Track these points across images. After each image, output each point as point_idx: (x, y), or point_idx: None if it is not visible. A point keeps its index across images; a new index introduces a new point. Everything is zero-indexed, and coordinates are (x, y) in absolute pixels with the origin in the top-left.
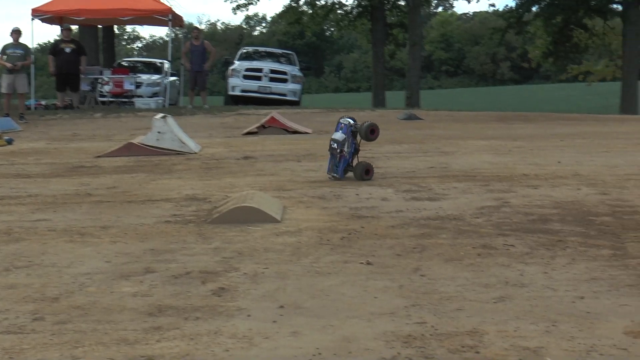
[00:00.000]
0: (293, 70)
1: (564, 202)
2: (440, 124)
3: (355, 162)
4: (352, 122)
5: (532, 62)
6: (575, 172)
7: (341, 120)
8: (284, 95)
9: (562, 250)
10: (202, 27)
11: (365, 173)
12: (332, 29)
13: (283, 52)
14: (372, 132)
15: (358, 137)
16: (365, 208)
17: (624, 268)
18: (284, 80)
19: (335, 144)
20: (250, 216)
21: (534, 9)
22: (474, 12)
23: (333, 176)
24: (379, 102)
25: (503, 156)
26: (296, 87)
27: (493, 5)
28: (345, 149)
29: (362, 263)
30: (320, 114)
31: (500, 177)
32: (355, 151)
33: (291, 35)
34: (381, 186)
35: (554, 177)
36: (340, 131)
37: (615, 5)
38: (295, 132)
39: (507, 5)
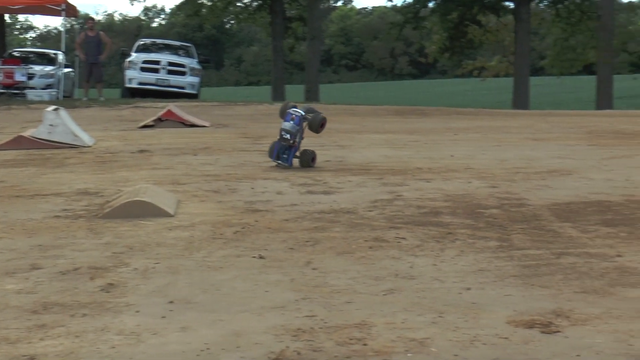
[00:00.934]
0: (191, 63)
1: (455, 195)
2: (339, 118)
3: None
4: (303, 113)
5: (429, 57)
6: (467, 166)
7: (291, 111)
8: (182, 88)
9: (451, 243)
10: (99, 18)
11: (312, 160)
12: (232, 22)
13: (181, 45)
14: (322, 126)
15: (303, 130)
16: (260, 202)
17: (509, 259)
18: (183, 73)
19: (288, 135)
20: (143, 210)
21: (430, 4)
22: (373, 7)
23: (279, 164)
24: (278, 96)
25: (398, 150)
26: (195, 80)
27: (391, 0)
28: (298, 139)
29: (254, 257)
30: (218, 107)
31: (394, 171)
32: (299, 137)
33: (190, 27)
34: (277, 180)
35: (447, 170)
36: (292, 122)
37: (507, 3)
38: (193, 125)
39: (404, 1)
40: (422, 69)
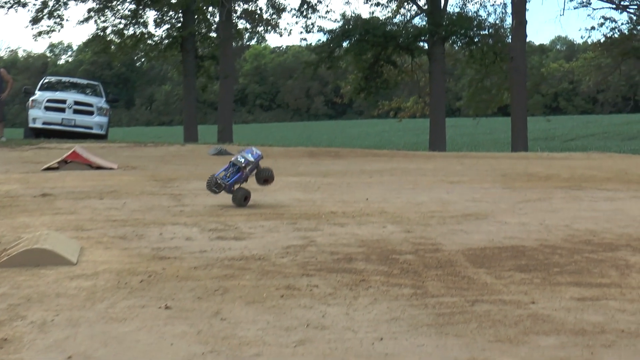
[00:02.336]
0: (99, 102)
1: (369, 241)
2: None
3: (236, 186)
4: (259, 160)
5: (344, 97)
6: (382, 210)
7: (254, 149)
8: (90, 128)
9: (365, 290)
10: (1, 54)
11: (244, 199)
12: (142, 60)
13: (88, 83)
14: (265, 182)
15: (252, 173)
16: (168, 248)
17: (423, 307)
18: (90, 113)
19: (242, 159)
20: (43, 259)
21: (344, 44)
22: (287, 46)
23: (216, 185)
24: (190, 136)
25: (312, 193)
26: (102, 119)
27: (305, 39)
28: (248, 169)
29: (160, 307)
30: (127, 148)
31: (308, 215)
32: (245, 179)
33: (99, 65)
34: (186, 225)
35: (361, 214)
36: (251, 155)
37: (421, 44)
38: (100, 167)
39: (319, 40)
40: (339, 109)
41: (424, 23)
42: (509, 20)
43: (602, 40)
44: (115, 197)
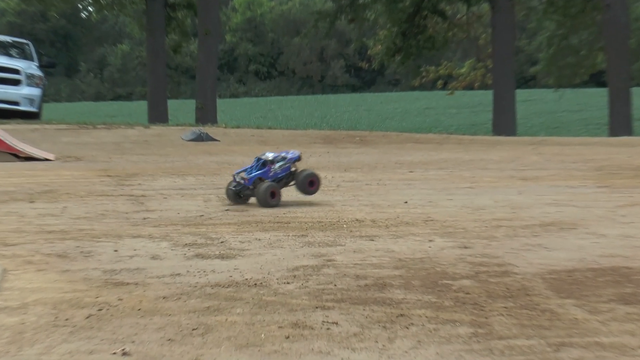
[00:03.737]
0: (29, 67)
1: (409, 260)
2: (243, 147)
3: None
4: (296, 161)
5: (373, 61)
6: (428, 217)
7: (292, 151)
8: (16, 103)
9: (404, 329)
10: None
11: (271, 195)
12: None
13: (14, 41)
14: (310, 185)
15: (285, 176)
16: (127, 271)
17: (487, 353)
18: (16, 82)
19: (271, 154)
20: None
21: None
22: None
23: (237, 183)
24: (158, 115)
25: (329, 194)
26: (33, 92)
27: None
28: (277, 165)
29: (115, 353)
30: (68, 132)
31: (323, 224)
32: (275, 181)
33: (29, 16)
34: (152, 238)
35: (398, 223)
36: (285, 153)
37: None
38: (30, 158)
39: None
40: (365, 78)
41: None
42: None
43: None
44: (51, 199)
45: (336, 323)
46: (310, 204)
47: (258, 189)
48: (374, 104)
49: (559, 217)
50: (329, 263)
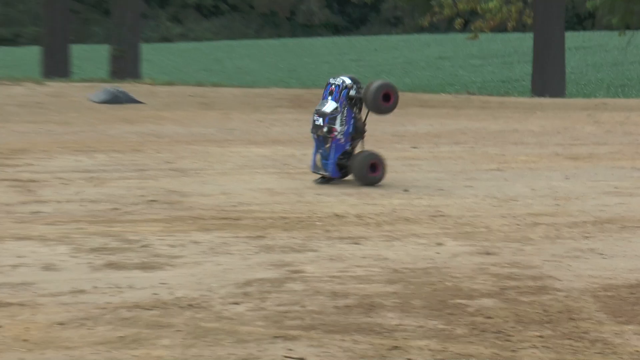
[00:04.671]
0: None
1: (409, 271)
2: (178, 113)
3: (358, 149)
4: (349, 81)
5: None
6: (436, 211)
7: (331, 80)
8: None
9: None
10: None
11: (371, 169)
12: None
13: None
14: (386, 99)
15: (363, 108)
16: (9, 286)
17: None
18: None
19: (320, 119)
20: None
21: None
22: None
23: (322, 177)
24: (56, 67)
25: (297, 179)
26: None
27: None
28: (338, 126)
29: None
30: None
31: (288, 221)
32: (357, 131)
33: None
34: (46, 240)
35: (394, 220)
36: (330, 97)
37: None
38: None
39: None
40: (353, 16)
41: None
42: None
43: None
44: None
45: (303, 359)
46: (271, 192)
47: (353, 161)
48: (365, 51)
49: (621, 211)
50: (295, 275)
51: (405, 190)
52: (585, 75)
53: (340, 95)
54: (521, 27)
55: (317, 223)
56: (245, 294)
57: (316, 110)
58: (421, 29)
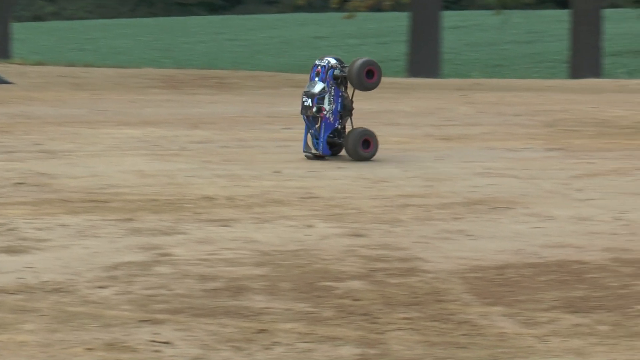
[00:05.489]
0: None
1: (278, 254)
2: (49, 94)
3: (348, 126)
4: (334, 61)
5: None
6: (307, 193)
7: (317, 62)
8: None
9: (265, 351)
10: None
11: (364, 145)
12: None
13: None
14: (369, 75)
15: (349, 87)
16: None
17: None
18: None
19: (309, 100)
20: None
21: None
22: None
23: (312, 154)
24: None
25: (167, 161)
26: None
27: None
28: (326, 105)
29: None
30: None
31: (157, 204)
32: (345, 109)
33: None
34: None
35: (265, 202)
36: (317, 78)
37: None
38: None
39: None
40: None
41: None
42: None
43: None
44: None
45: (169, 342)
46: (141, 174)
47: (347, 138)
48: (241, 30)
49: (492, 192)
50: (163, 259)
51: (277, 172)
52: (461, 55)
53: (326, 75)
54: (398, 7)
55: (187, 205)
56: (112, 278)
57: (304, 92)
58: (298, 8)
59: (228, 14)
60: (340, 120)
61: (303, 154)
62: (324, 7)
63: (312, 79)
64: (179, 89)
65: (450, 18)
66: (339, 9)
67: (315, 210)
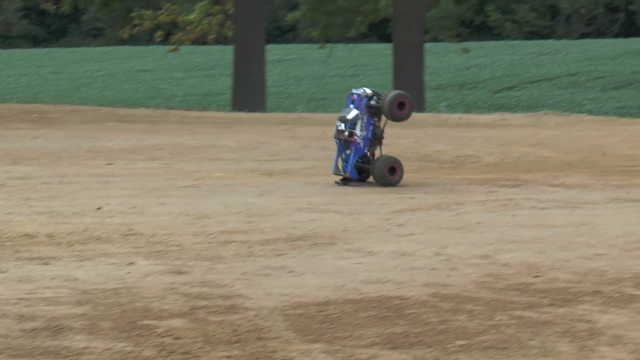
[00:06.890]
0: None
1: (99, 292)
2: None
3: (377, 154)
4: (369, 92)
5: (62, 1)
6: (129, 230)
7: (354, 90)
8: None
9: None
10: None
11: (390, 172)
12: None
13: None
14: (400, 107)
15: (382, 118)
16: None
17: None
18: None
19: (343, 125)
20: None
21: None
22: None
23: (341, 179)
24: None
25: None
26: None
27: None
28: (358, 131)
29: None
30: None
31: None
32: (375, 137)
33: None
34: None
35: (85, 239)
36: (352, 105)
37: None
38: None
39: None
40: (52, 27)
41: None
42: None
43: None
44: None
45: None
46: None
47: (374, 165)
48: (65, 63)
49: (314, 227)
50: None
51: (98, 209)
52: (287, 89)
53: (361, 103)
54: (223, 40)
55: (7, 243)
56: None
57: (339, 117)
58: (122, 41)
59: (52, 47)
60: (370, 147)
61: (333, 176)
62: (149, 41)
63: (347, 106)
64: (0, 123)
65: (275, 51)
66: (164, 42)
67: (137, 248)
